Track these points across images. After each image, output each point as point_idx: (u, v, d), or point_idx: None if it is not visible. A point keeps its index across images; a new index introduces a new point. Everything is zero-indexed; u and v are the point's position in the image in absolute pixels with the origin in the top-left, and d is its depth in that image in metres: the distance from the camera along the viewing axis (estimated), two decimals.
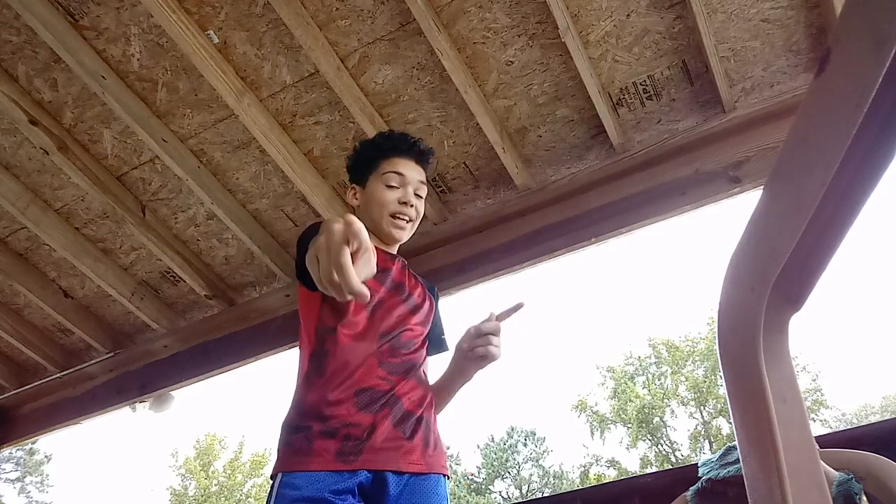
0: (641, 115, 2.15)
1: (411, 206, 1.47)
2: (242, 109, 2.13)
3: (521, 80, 2.10)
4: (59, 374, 3.14)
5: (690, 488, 1.52)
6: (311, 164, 2.35)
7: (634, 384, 27.58)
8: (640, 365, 28.12)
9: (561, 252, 2.23)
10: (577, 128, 2.20)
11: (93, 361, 3.08)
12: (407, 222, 1.47)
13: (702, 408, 26.13)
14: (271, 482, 1.21)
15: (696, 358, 26.77)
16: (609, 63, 2.04)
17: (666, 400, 26.74)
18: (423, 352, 1.47)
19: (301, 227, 2.57)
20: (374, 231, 1.48)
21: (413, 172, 1.50)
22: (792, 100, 1.97)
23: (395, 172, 1.47)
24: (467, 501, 29.99)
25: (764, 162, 1.97)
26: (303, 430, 1.23)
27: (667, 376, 27.39)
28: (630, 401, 26.78)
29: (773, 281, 0.69)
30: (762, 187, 0.71)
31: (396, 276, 1.47)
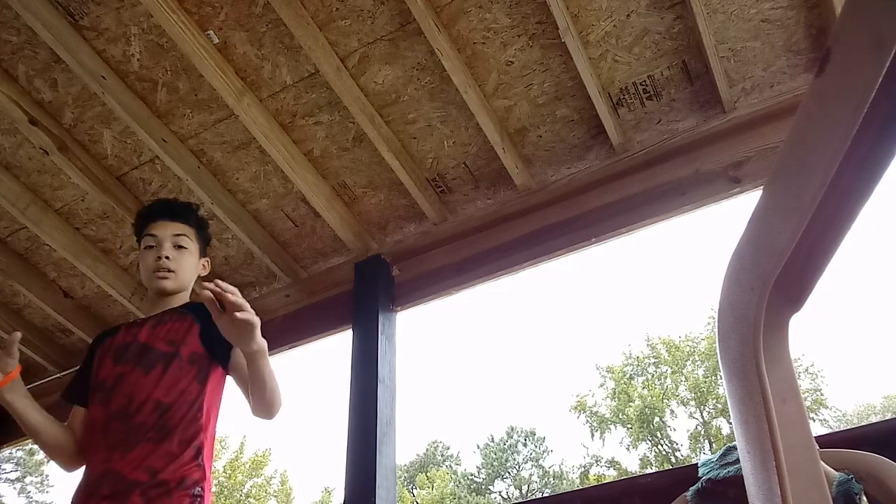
0: (641, 116, 2.15)
1: (167, 258, 1.61)
2: (242, 109, 2.13)
3: (521, 80, 2.11)
4: (59, 374, 3.14)
5: (690, 488, 1.52)
6: (311, 164, 2.35)
7: (634, 384, 27.59)
8: (640, 365, 28.13)
9: (561, 252, 2.23)
10: (577, 128, 2.20)
11: None
12: (167, 272, 1.60)
13: (702, 408, 26.13)
14: None
15: (696, 358, 26.78)
16: (609, 63, 2.04)
17: (666, 400, 26.75)
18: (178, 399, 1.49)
19: (301, 227, 2.57)
20: (151, 290, 1.65)
21: (165, 230, 1.64)
22: (792, 100, 1.97)
23: (149, 234, 1.64)
24: (467, 502, 30.01)
25: (764, 162, 1.97)
26: None
27: (667, 376, 27.39)
28: (630, 401, 26.79)
29: (773, 281, 0.68)
30: (762, 187, 0.71)
31: (143, 338, 1.56)
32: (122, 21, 2.03)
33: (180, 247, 1.65)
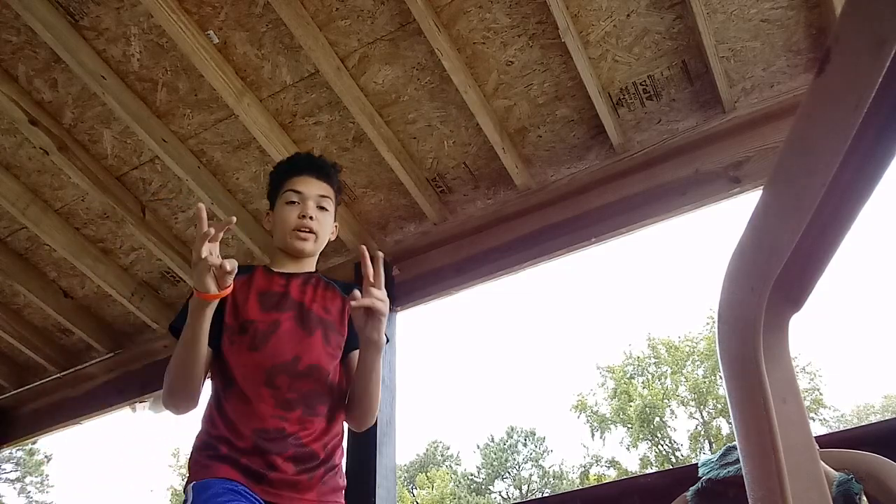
0: (641, 116, 2.15)
1: (311, 218, 1.50)
2: (242, 109, 2.13)
3: (521, 80, 2.11)
4: (59, 374, 3.15)
5: (690, 488, 1.52)
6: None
7: (635, 384, 27.59)
8: (640, 365, 28.13)
9: (561, 252, 2.23)
10: (577, 128, 2.20)
11: (93, 361, 3.08)
12: (308, 233, 1.50)
13: (702, 408, 26.14)
14: None
15: (696, 358, 26.78)
16: (609, 63, 2.04)
17: (666, 400, 26.75)
18: (332, 375, 1.43)
19: None
20: (284, 249, 1.54)
21: (311, 188, 1.54)
22: (792, 100, 1.97)
23: (293, 191, 1.53)
24: (467, 502, 30.01)
25: (764, 162, 1.97)
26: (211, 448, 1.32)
27: (667, 376, 27.40)
28: (630, 401, 26.79)
29: (773, 281, 0.68)
30: (762, 187, 0.71)
31: (295, 294, 1.47)
32: (122, 21, 2.03)
33: (322, 208, 1.54)
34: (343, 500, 1.38)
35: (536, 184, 2.30)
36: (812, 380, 25.12)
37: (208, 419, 1.36)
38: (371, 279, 1.31)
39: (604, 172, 2.20)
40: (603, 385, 28.67)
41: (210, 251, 1.22)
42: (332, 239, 1.62)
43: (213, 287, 1.24)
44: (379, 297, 1.30)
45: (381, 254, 1.35)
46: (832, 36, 0.61)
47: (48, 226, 2.57)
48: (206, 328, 1.30)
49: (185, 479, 1.31)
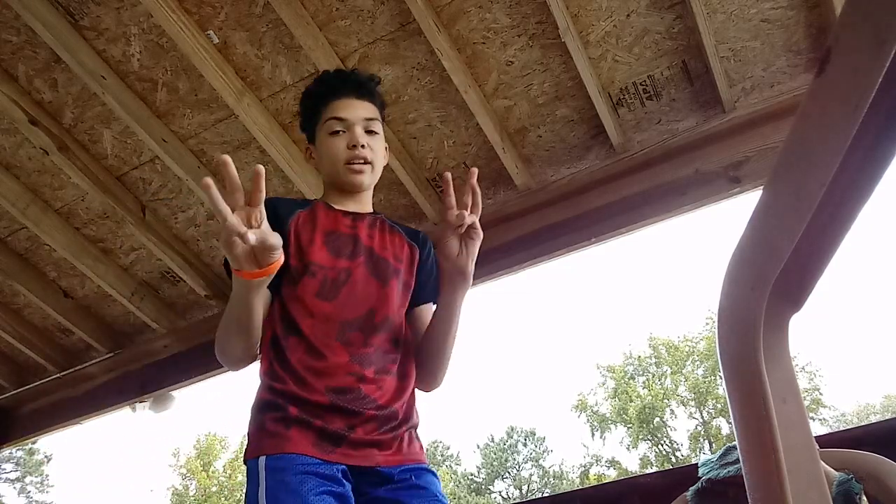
0: (641, 115, 2.15)
1: (363, 146, 1.31)
2: (242, 109, 2.13)
3: (521, 80, 2.10)
4: (59, 374, 3.14)
5: (690, 488, 1.52)
6: (311, 164, 2.35)
7: (634, 384, 27.60)
8: (641, 365, 28.14)
9: (561, 252, 2.23)
10: (577, 128, 2.20)
11: (93, 361, 3.08)
12: (364, 164, 1.32)
13: (702, 408, 26.14)
14: None
15: (696, 358, 26.79)
16: (609, 63, 2.04)
17: (666, 400, 26.76)
18: (404, 329, 1.29)
19: None
20: (337, 186, 1.36)
21: (357, 111, 1.34)
22: (792, 100, 1.97)
23: (335, 118, 1.33)
24: (467, 502, 29.99)
25: (764, 162, 1.97)
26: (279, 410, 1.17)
27: (667, 376, 27.41)
28: (631, 401, 26.80)
29: (773, 281, 0.68)
30: (762, 187, 0.71)
31: (364, 239, 1.30)
32: (122, 21, 2.03)
33: (371, 132, 1.34)
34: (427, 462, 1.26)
35: (536, 184, 2.30)
36: (812, 380, 25.12)
37: (269, 372, 1.18)
38: (471, 202, 1.14)
39: (604, 172, 2.20)
40: (603, 385, 28.67)
41: (239, 219, 1.03)
42: (385, 164, 1.44)
43: (247, 264, 1.02)
44: (476, 221, 1.15)
45: (475, 170, 1.17)
46: (832, 36, 0.61)
47: (48, 226, 2.57)
48: (258, 305, 1.13)
49: (247, 447, 1.15)
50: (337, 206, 1.34)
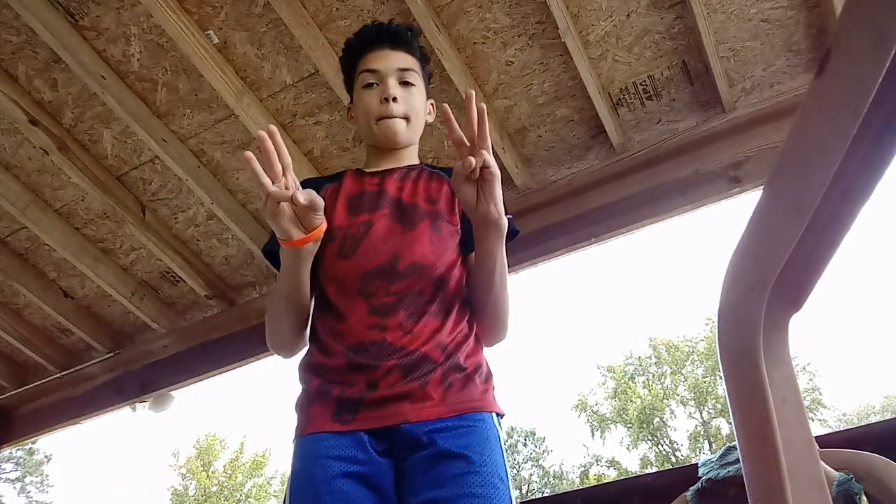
0: (641, 115, 2.15)
1: (395, 99, 1.24)
2: (242, 109, 2.13)
3: (521, 80, 2.10)
4: (59, 374, 3.14)
5: (690, 488, 1.52)
6: (311, 164, 2.35)
7: (634, 384, 27.60)
8: (641, 365, 28.14)
9: (561, 252, 2.23)
10: (577, 128, 2.20)
11: (93, 361, 3.08)
12: (397, 118, 1.25)
13: (702, 408, 26.14)
14: None
15: (696, 358, 26.79)
16: (609, 63, 2.04)
17: (666, 400, 26.76)
18: (443, 270, 1.17)
19: None
20: (374, 143, 1.31)
21: (388, 62, 1.27)
22: (792, 100, 1.97)
23: (367, 70, 1.27)
24: None
25: (764, 162, 1.97)
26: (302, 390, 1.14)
27: (666, 376, 27.41)
28: (631, 401, 26.80)
29: (773, 281, 0.68)
30: (762, 187, 0.71)
31: (392, 191, 1.24)
32: (122, 21, 2.03)
33: (407, 83, 1.27)
34: (494, 405, 1.11)
35: (536, 184, 2.30)
36: (812, 380, 25.12)
37: (305, 352, 1.18)
38: (476, 132, 1.01)
39: (604, 172, 2.20)
40: (603, 385, 28.67)
41: (279, 186, 0.99)
42: (430, 120, 1.36)
43: (294, 231, 1.01)
44: (488, 158, 1.01)
45: (483, 106, 1.02)
46: (832, 36, 0.61)
47: (48, 226, 2.57)
48: (306, 276, 1.10)
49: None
50: (372, 168, 1.30)
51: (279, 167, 1.01)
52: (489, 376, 1.15)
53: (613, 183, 2.18)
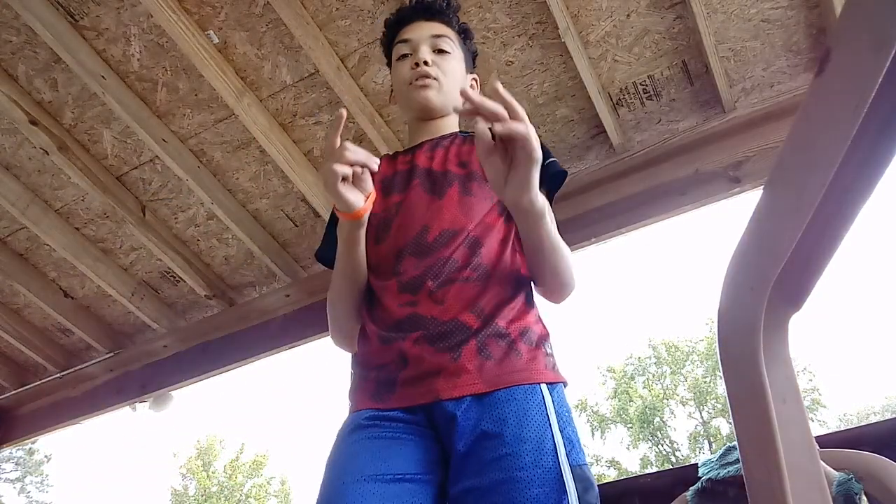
0: (641, 115, 2.15)
1: (426, 63, 1.22)
2: (242, 109, 2.13)
3: (521, 80, 2.10)
4: (59, 374, 3.14)
5: (690, 488, 1.52)
6: (311, 164, 2.35)
7: (634, 384, 27.59)
8: (641, 365, 28.13)
9: None
10: (577, 128, 2.20)
11: (93, 361, 3.08)
12: (428, 79, 1.23)
13: (701, 408, 26.13)
14: None
15: (696, 358, 26.78)
16: (609, 63, 2.04)
17: (666, 400, 26.75)
18: (478, 231, 1.12)
19: (301, 227, 2.57)
20: (411, 111, 1.29)
21: (421, 31, 1.28)
22: (792, 100, 1.97)
23: (401, 42, 1.30)
24: None
25: (764, 162, 1.97)
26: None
27: (666, 376, 27.40)
28: (631, 401, 26.79)
29: (773, 281, 0.68)
30: (762, 187, 0.71)
31: (422, 163, 1.21)
32: (122, 21, 2.03)
33: (441, 50, 1.26)
34: (544, 373, 1.02)
35: None
36: (812, 380, 25.12)
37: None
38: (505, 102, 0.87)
39: (604, 172, 2.20)
40: (603, 385, 28.66)
41: (340, 158, 0.96)
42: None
43: (354, 201, 0.99)
44: (519, 128, 0.86)
45: (498, 84, 0.87)
46: (832, 36, 0.61)
47: (48, 226, 2.57)
48: (362, 252, 1.10)
49: None
50: (410, 146, 1.29)
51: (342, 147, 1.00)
52: (542, 340, 1.06)
53: (613, 183, 2.18)
